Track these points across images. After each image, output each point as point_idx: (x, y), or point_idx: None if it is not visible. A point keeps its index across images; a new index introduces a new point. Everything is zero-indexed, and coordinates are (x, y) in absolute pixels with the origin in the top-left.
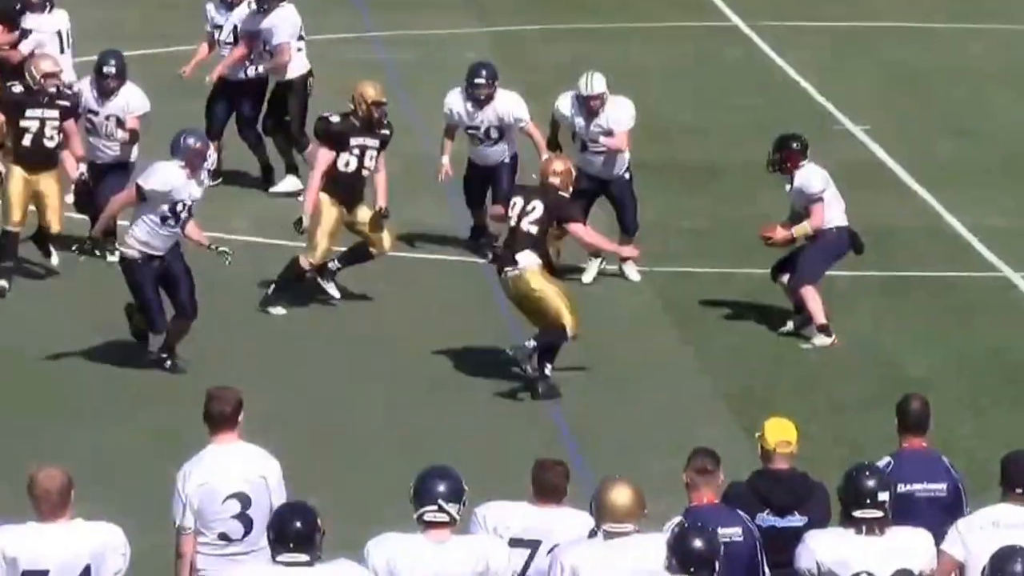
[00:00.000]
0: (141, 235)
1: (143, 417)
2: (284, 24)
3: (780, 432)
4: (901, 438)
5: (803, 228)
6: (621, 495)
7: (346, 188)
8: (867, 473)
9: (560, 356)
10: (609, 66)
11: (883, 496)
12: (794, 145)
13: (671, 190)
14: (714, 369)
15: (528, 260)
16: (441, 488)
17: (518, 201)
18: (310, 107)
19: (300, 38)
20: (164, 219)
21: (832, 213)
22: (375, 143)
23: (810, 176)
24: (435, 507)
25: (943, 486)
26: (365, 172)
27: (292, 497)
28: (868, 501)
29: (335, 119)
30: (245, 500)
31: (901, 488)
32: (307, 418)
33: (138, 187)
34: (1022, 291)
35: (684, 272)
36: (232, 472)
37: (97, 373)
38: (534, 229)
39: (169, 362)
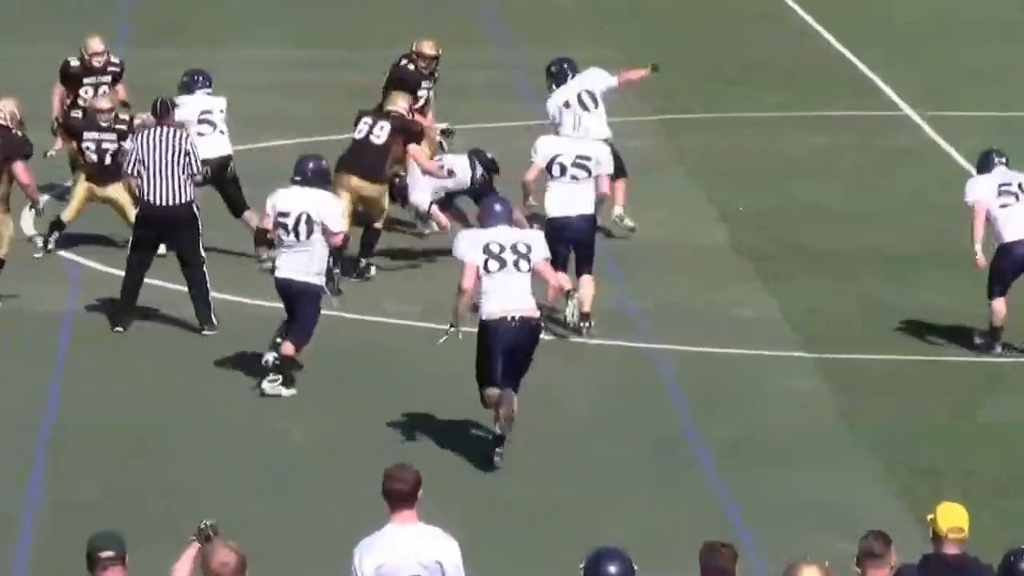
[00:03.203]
0: None
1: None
2: None
3: (952, 518)
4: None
5: None
6: None
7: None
8: None
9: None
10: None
11: None
12: None
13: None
14: (879, 446)
15: None
16: (612, 570)
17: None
18: None
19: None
20: None
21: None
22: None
23: None
24: None
25: None
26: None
27: None
28: None
29: None
30: None
31: None
32: (463, 490)
33: None
34: None
35: (851, 358)
36: (408, 554)
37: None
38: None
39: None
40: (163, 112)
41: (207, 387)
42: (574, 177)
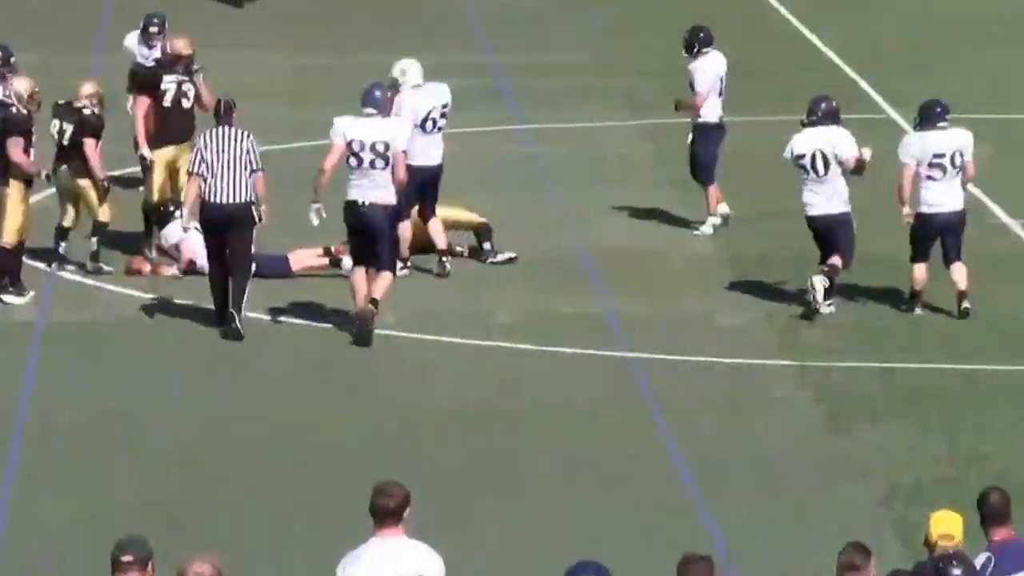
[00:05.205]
0: None
1: None
2: None
3: (943, 525)
4: (989, 532)
5: None
6: None
7: None
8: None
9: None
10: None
11: None
12: None
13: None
14: (865, 463)
15: None
16: None
17: None
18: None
19: None
20: None
21: None
22: None
23: None
24: None
25: None
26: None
27: None
28: None
29: None
30: None
31: None
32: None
33: None
34: None
35: (836, 367)
36: (388, 570)
37: None
38: None
39: None
40: (226, 112)
41: (183, 394)
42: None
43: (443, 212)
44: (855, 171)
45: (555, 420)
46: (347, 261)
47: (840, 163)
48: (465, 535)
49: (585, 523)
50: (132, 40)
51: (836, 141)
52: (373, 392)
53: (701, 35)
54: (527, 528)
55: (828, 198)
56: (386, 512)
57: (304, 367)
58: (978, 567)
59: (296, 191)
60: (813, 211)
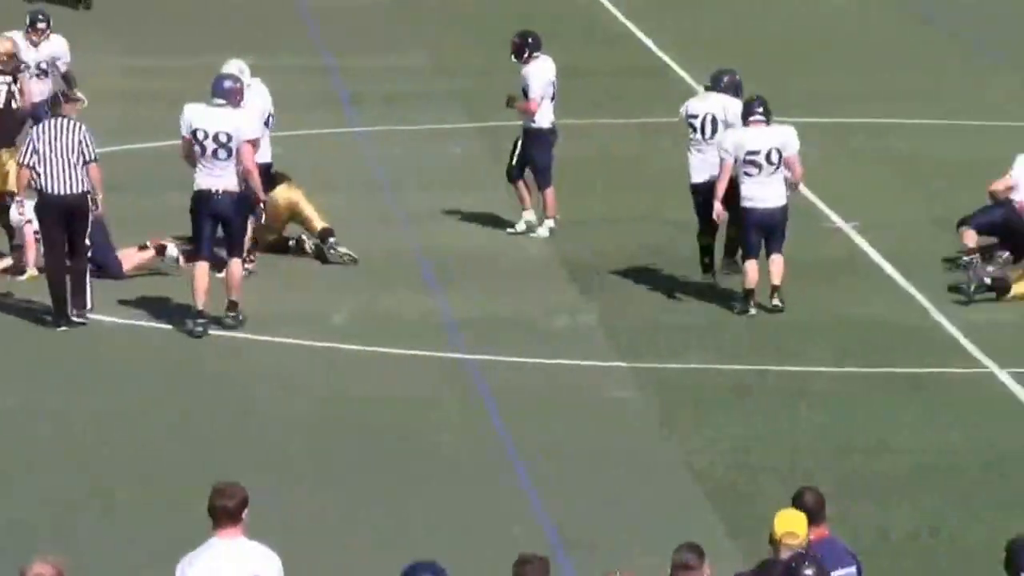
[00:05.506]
0: None
1: None
2: None
3: (787, 523)
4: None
5: None
6: None
7: None
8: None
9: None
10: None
11: None
12: None
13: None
14: (696, 462)
15: None
16: None
17: None
18: None
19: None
20: None
21: None
22: None
23: None
24: None
25: (852, 570)
26: None
27: None
28: None
29: None
30: None
31: None
32: (281, 505)
33: None
34: (1008, 386)
35: (672, 368)
36: (227, 570)
37: None
38: None
39: None
40: (56, 103)
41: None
42: None
43: (298, 196)
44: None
45: (391, 419)
46: (172, 249)
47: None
48: (300, 535)
49: (420, 520)
50: None
51: (731, 109)
52: (205, 392)
53: (530, 40)
54: (362, 526)
55: (713, 166)
56: (225, 513)
57: (136, 365)
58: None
59: (125, 192)
60: (697, 178)
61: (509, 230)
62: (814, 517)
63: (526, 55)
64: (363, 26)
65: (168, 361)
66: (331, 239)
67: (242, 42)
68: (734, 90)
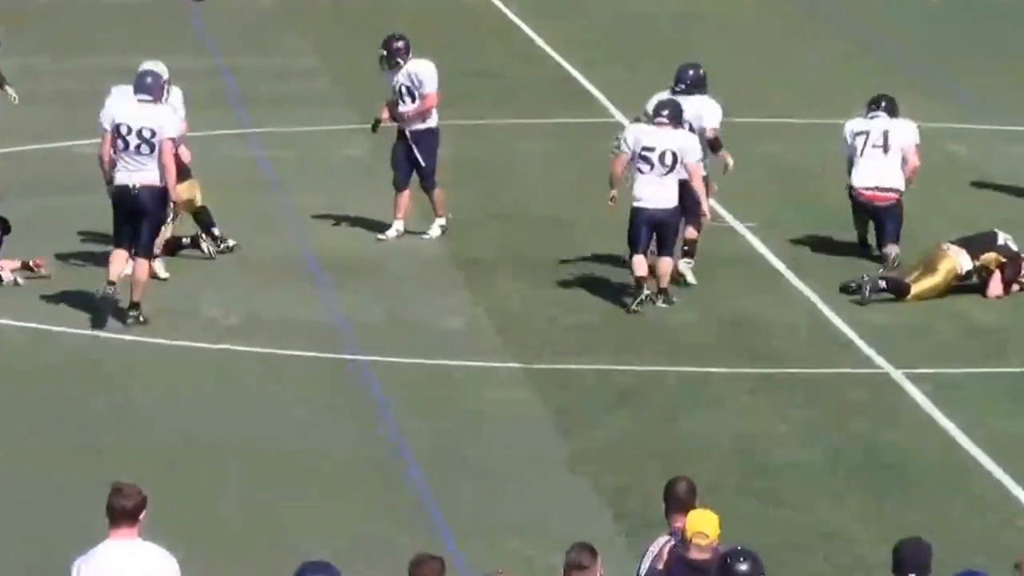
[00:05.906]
0: None
1: None
2: None
3: (697, 523)
4: (671, 518)
5: None
6: None
7: None
8: None
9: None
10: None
11: None
12: None
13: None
14: (590, 463)
15: None
16: None
17: None
18: None
19: None
20: None
21: None
22: None
23: None
24: None
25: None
26: None
27: None
28: None
29: None
30: None
31: None
32: (173, 509)
33: None
34: (903, 388)
35: (566, 368)
36: (123, 571)
37: None
38: None
39: None
40: None
41: None
42: None
43: (196, 193)
44: (711, 145)
45: (282, 422)
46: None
47: (698, 131)
48: (195, 539)
49: (314, 524)
50: None
51: (701, 111)
52: (80, 396)
53: (406, 40)
54: (255, 531)
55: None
56: (123, 512)
57: (22, 365)
58: (657, 549)
59: (24, 198)
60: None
61: (379, 236)
62: (683, 505)
63: (409, 55)
64: (253, 27)
65: (58, 362)
66: (215, 230)
67: (134, 43)
68: (699, 87)
